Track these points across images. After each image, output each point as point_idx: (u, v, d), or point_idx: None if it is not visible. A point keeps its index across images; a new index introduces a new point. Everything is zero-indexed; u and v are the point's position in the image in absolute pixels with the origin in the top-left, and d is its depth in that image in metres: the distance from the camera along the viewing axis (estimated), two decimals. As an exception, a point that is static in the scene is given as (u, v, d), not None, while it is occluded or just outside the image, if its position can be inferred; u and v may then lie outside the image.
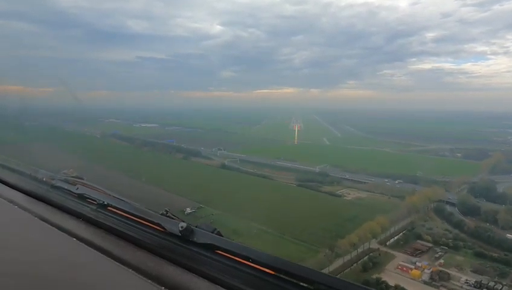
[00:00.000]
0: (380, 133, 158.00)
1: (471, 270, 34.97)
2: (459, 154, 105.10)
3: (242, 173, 73.85)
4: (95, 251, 1.57)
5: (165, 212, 1.70)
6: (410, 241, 41.25)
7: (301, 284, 1.26)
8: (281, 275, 1.29)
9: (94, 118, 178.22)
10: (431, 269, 34.47)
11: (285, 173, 73.33)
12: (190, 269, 1.41)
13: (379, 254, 37.81)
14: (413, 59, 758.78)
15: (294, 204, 51.77)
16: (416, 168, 78.66)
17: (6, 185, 2.56)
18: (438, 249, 39.34)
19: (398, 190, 59.91)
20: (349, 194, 58.91)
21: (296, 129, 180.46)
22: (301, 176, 69.23)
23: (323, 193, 59.24)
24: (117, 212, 1.86)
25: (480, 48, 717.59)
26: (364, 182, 65.66)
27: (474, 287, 32.28)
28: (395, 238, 42.12)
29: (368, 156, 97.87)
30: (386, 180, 67.06)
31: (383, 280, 31.34)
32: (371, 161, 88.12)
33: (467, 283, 32.75)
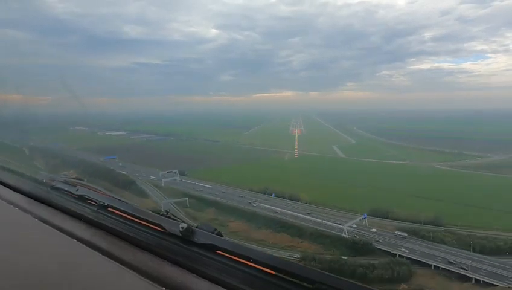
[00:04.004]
0: (403, 138, 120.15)
1: None
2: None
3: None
4: (96, 251, 1.59)
5: (165, 213, 1.73)
6: None
7: (302, 283, 1.26)
8: (282, 275, 1.31)
9: (62, 127, 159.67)
10: None
11: (276, 237, 33.81)
12: (191, 270, 1.44)
13: None
14: (413, 59, 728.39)
15: None
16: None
17: (6, 187, 2.51)
18: None
19: None
20: None
21: (297, 134, 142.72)
22: (313, 253, 29.86)
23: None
24: (117, 213, 1.86)
25: (480, 47, 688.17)
26: (478, 279, 26.33)
27: None
28: None
29: (419, 180, 58.25)
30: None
31: None
32: (434, 194, 48.80)
33: None
